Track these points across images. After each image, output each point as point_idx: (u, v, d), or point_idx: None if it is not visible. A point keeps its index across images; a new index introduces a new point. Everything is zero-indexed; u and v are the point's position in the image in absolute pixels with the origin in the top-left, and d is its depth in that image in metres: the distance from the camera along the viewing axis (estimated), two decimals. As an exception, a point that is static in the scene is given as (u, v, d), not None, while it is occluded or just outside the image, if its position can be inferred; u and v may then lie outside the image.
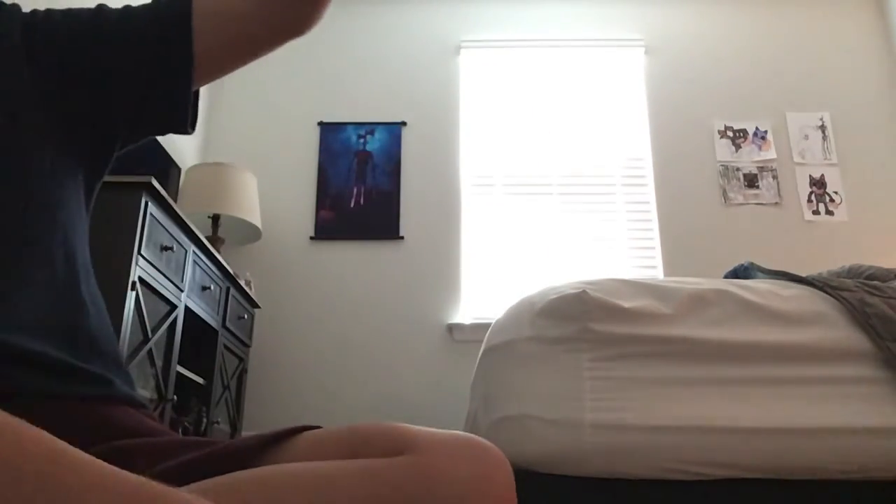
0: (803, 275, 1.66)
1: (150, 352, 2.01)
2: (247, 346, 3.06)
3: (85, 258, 0.72)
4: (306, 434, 0.61)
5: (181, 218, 2.17)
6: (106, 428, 0.63)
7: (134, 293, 1.87)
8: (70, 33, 0.70)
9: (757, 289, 1.51)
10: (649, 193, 3.62)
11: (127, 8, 0.73)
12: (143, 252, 1.92)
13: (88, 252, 0.73)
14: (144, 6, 0.73)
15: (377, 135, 3.68)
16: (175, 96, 0.72)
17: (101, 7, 0.73)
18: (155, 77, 0.71)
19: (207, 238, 2.99)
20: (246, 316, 3.02)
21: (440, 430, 0.57)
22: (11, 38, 0.69)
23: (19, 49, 0.68)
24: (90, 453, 0.58)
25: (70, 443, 0.57)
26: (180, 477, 0.54)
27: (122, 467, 0.58)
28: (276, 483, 0.51)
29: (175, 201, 2.75)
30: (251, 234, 3.28)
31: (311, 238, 3.50)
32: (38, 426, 0.56)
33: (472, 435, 0.56)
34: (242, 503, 0.50)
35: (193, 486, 0.52)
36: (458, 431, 0.57)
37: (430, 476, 0.51)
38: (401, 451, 0.54)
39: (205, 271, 2.50)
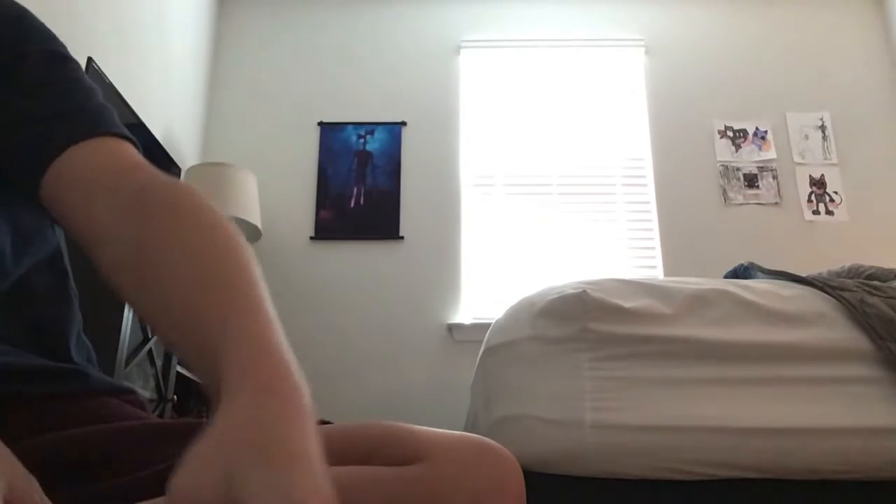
0: (803, 275, 1.66)
1: (150, 352, 2.01)
2: (247, 346, 3.05)
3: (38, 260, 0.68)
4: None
5: (181, 218, 2.17)
6: (80, 420, 0.62)
7: (134, 293, 1.87)
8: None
9: (757, 289, 1.51)
10: (649, 193, 3.62)
11: (65, 84, 0.63)
12: (143, 252, 1.92)
13: (49, 249, 0.70)
14: (67, 102, 0.62)
15: (377, 135, 3.68)
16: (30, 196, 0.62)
17: (36, 57, 0.64)
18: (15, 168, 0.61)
19: (207, 238, 2.98)
20: (246, 316, 3.01)
21: (452, 434, 0.56)
22: None
23: None
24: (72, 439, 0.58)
25: (52, 441, 0.57)
26: None
27: (109, 453, 0.57)
28: None
29: (175, 201, 2.74)
30: (251, 234, 3.28)
31: (311, 238, 3.50)
32: (12, 430, 0.56)
33: (485, 439, 0.56)
34: None
35: None
36: (470, 435, 0.56)
37: (441, 488, 0.51)
38: (413, 457, 0.53)
39: (205, 271, 2.50)
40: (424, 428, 0.57)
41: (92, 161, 0.57)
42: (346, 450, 0.57)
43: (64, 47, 0.69)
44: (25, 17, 0.68)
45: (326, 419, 0.62)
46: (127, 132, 0.62)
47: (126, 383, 0.72)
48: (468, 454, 0.53)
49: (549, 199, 3.61)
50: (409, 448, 0.54)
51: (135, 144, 0.62)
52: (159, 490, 0.52)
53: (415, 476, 0.52)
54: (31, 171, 0.58)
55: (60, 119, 0.59)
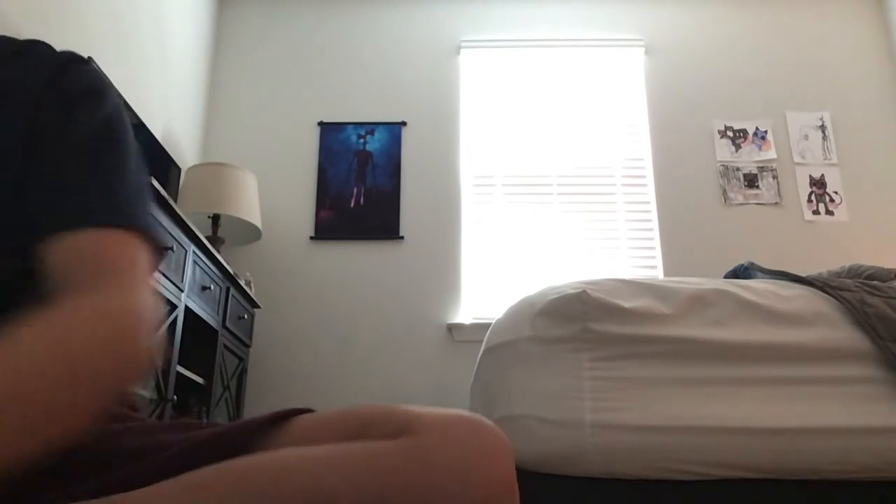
0: (803, 275, 1.66)
1: (150, 352, 2.01)
2: (247, 346, 3.05)
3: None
4: (303, 417, 0.60)
5: (181, 218, 2.17)
6: None
7: (134, 293, 1.87)
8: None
9: (757, 289, 1.51)
10: (649, 193, 3.62)
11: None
12: (143, 252, 1.92)
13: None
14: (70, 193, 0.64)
15: (377, 135, 3.68)
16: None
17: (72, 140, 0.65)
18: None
19: (207, 238, 2.99)
20: (246, 316, 3.02)
21: (441, 410, 0.55)
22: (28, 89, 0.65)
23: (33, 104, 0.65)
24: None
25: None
26: (178, 464, 0.53)
27: (99, 449, 0.57)
28: (271, 469, 0.51)
29: (175, 201, 2.75)
30: (251, 234, 3.28)
31: (311, 238, 3.50)
32: None
33: (473, 415, 0.55)
34: (239, 490, 0.50)
35: (188, 475, 0.51)
36: (460, 411, 0.55)
37: (429, 459, 0.50)
38: (401, 433, 0.53)
39: (205, 271, 2.50)
40: (412, 406, 0.57)
41: (75, 256, 0.60)
42: (332, 432, 0.56)
43: (111, 102, 0.69)
44: (84, 69, 0.69)
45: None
46: (138, 222, 0.64)
47: None
48: (457, 429, 0.53)
49: (549, 199, 3.61)
50: (395, 424, 0.54)
51: (146, 234, 0.65)
52: (140, 485, 0.52)
53: (401, 448, 0.51)
54: (33, 230, 0.62)
55: (81, 199, 0.62)
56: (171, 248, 2.14)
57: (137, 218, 0.64)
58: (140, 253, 0.63)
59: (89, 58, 2.37)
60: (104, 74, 0.71)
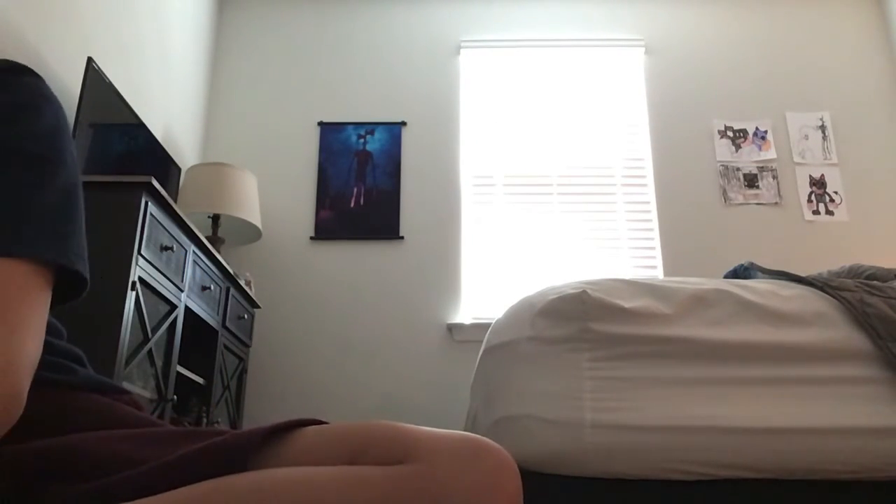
0: (803, 275, 1.66)
1: (150, 352, 2.01)
2: (247, 346, 3.05)
3: None
4: (308, 430, 0.59)
5: (181, 218, 2.17)
6: (71, 415, 0.63)
7: (134, 293, 1.87)
8: None
9: (757, 289, 1.51)
10: (649, 193, 3.62)
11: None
12: (143, 252, 1.92)
13: None
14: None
15: (377, 135, 3.68)
16: None
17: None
18: None
19: (207, 238, 2.99)
20: (246, 316, 3.02)
21: (446, 433, 0.54)
22: None
23: None
24: (49, 441, 0.58)
25: (29, 429, 0.57)
26: (179, 473, 0.53)
27: (102, 454, 0.57)
28: (267, 491, 0.50)
29: (175, 201, 2.75)
30: (251, 234, 3.28)
31: (311, 238, 3.50)
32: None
33: (479, 437, 0.54)
34: None
35: (179, 491, 0.51)
36: (464, 433, 0.55)
37: (433, 488, 0.50)
38: (403, 456, 0.52)
39: (205, 271, 2.50)
40: (417, 427, 0.56)
41: None
42: (334, 449, 0.55)
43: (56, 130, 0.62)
44: (32, 100, 0.62)
45: (322, 419, 0.62)
46: (31, 250, 0.55)
47: (116, 384, 0.71)
48: (461, 453, 0.52)
49: (549, 199, 3.61)
50: (400, 447, 0.53)
51: (45, 263, 0.56)
52: (143, 491, 0.52)
53: (405, 476, 0.50)
54: None
55: None
56: (171, 248, 2.14)
57: (31, 245, 0.54)
58: (21, 288, 0.53)
59: (89, 58, 2.37)
60: (44, 87, 0.64)
